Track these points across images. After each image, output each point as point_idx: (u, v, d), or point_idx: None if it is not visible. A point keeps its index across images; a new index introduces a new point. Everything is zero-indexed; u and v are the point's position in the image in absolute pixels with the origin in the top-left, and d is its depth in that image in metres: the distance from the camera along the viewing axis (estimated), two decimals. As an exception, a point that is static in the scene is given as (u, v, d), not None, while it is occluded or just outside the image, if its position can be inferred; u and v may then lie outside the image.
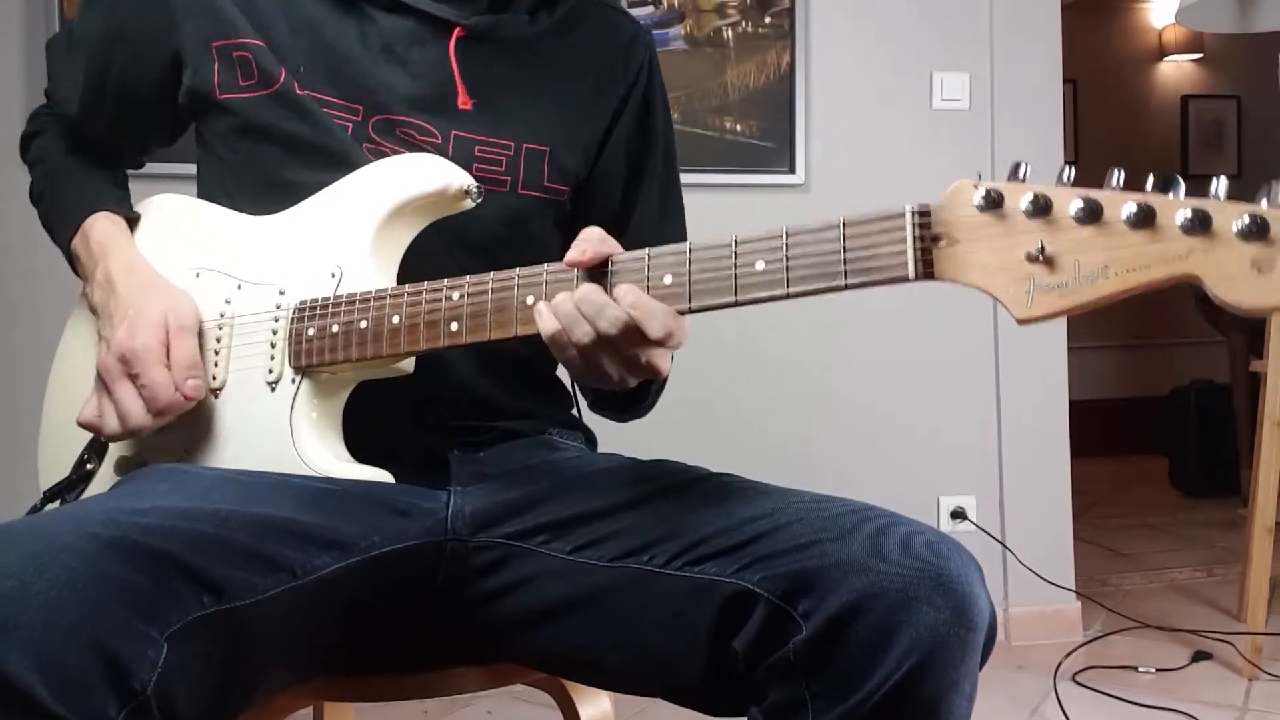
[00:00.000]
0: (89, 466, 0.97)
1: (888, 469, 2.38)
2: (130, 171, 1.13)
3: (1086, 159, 4.96)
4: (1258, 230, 0.60)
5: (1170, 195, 0.63)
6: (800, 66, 2.34)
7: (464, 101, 0.97)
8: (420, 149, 0.94)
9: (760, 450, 2.30)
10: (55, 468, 1.00)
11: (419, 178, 0.90)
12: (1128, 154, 5.15)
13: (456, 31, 0.98)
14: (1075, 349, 2.57)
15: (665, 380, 1.01)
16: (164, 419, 0.88)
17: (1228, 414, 4.02)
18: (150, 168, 1.16)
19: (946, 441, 2.42)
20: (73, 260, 1.02)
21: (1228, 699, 2.05)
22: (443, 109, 0.97)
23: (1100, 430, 4.48)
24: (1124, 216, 0.64)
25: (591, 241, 0.79)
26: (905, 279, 0.70)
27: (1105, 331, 5.16)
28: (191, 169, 1.05)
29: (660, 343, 0.75)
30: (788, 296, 0.74)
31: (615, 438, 1.12)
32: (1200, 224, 0.61)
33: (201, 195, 1.04)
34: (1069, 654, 2.29)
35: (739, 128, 2.32)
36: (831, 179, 2.37)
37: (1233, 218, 0.61)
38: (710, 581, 0.76)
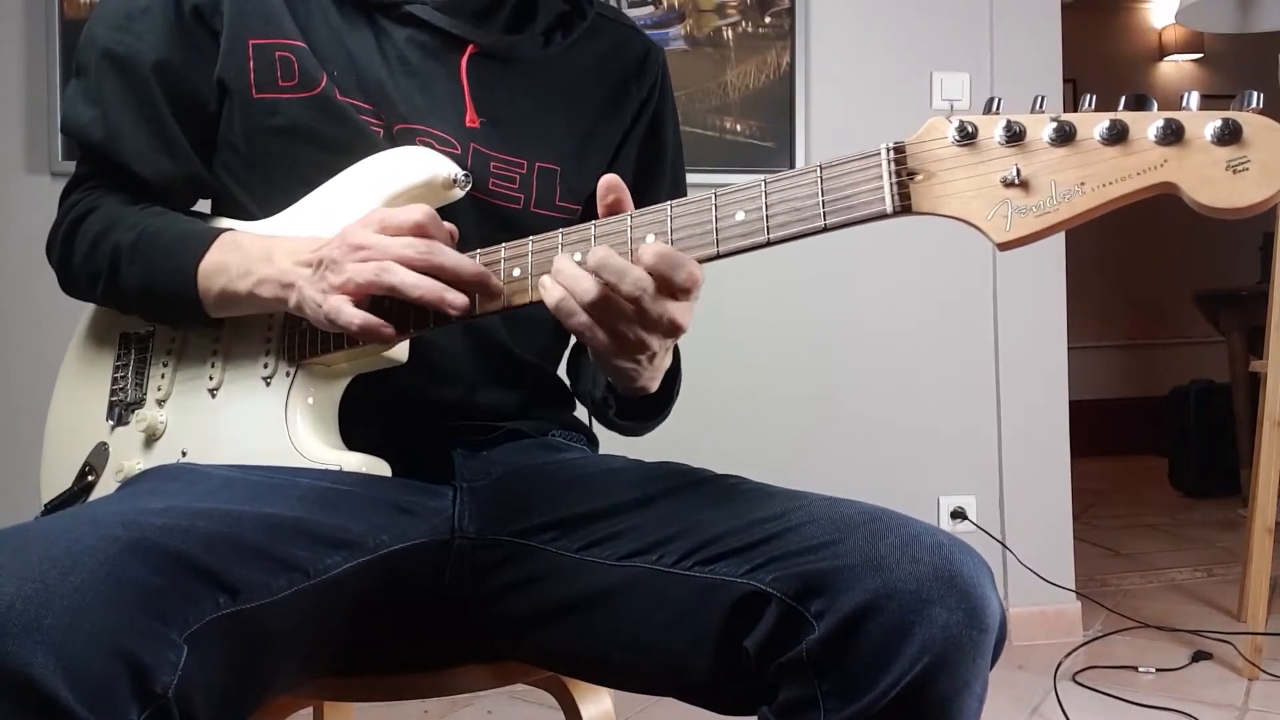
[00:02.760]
0: (90, 478, 0.97)
1: (888, 469, 2.38)
2: None
3: (1085, 159, 4.94)
4: (1230, 134, 0.61)
5: (1143, 113, 0.64)
6: (800, 66, 2.33)
7: (471, 119, 0.97)
8: None
9: (760, 451, 2.30)
10: (56, 481, 1.01)
11: (407, 169, 0.90)
12: (1126, 154, 5.13)
13: (469, 49, 0.98)
14: (1075, 349, 2.57)
15: (680, 373, 1.00)
16: (413, 255, 0.79)
17: (1228, 414, 4.01)
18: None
19: (946, 442, 2.42)
20: (200, 297, 0.90)
21: (1228, 699, 2.05)
22: (453, 125, 0.96)
23: (1100, 430, 4.48)
24: (1097, 135, 0.64)
25: (620, 188, 0.77)
26: (884, 215, 0.70)
27: (1105, 331, 5.16)
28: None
29: (686, 291, 0.73)
30: (768, 244, 0.73)
31: (616, 440, 1.11)
32: (1173, 133, 0.63)
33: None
34: (1069, 654, 2.29)
35: (739, 128, 2.32)
36: (832, 179, 2.36)
37: (1205, 124, 0.62)
38: (721, 582, 0.75)
